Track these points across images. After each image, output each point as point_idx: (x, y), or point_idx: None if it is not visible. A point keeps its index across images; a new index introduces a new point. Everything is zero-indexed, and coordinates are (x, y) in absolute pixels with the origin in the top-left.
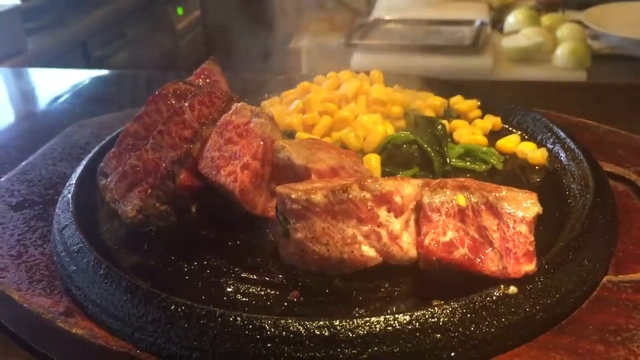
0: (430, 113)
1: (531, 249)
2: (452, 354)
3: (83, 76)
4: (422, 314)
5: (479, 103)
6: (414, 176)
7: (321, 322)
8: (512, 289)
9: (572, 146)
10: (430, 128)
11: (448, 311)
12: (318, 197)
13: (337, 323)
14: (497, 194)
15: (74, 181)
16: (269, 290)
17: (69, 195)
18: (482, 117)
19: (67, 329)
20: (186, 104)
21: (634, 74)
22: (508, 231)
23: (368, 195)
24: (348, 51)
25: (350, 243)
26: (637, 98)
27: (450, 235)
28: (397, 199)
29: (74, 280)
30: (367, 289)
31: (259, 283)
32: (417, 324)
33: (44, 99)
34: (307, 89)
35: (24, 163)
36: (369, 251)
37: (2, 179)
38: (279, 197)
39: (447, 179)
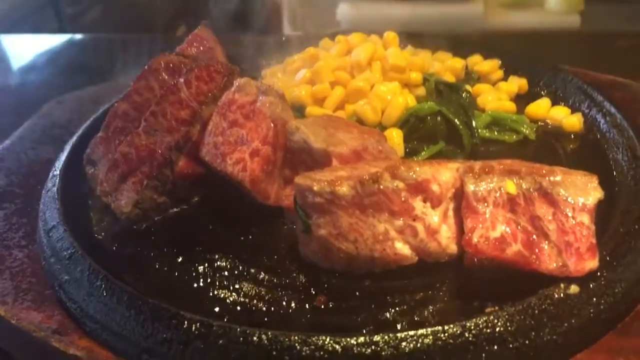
0: (450, 77)
1: (594, 241)
2: None
3: (56, 41)
4: (474, 323)
5: (500, 63)
6: (441, 151)
7: (361, 339)
8: (574, 289)
9: (613, 111)
10: (454, 96)
11: (504, 319)
12: (344, 189)
13: (379, 339)
14: (551, 178)
15: (58, 172)
16: (291, 294)
17: (54, 189)
18: (505, 79)
19: (62, 349)
20: (181, 80)
21: (629, 17)
22: (567, 222)
23: (401, 185)
24: (333, 2)
25: (382, 240)
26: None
27: (500, 229)
28: (435, 187)
29: (67, 292)
30: (402, 289)
31: (279, 286)
32: (471, 336)
33: (16, 69)
34: (314, 55)
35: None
36: (403, 248)
37: None
38: (297, 189)
39: (492, 161)
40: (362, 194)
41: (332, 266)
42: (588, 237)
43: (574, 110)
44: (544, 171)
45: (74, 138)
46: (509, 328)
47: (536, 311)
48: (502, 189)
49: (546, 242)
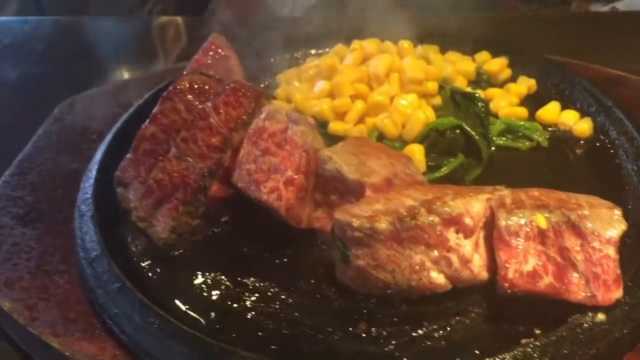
0: (462, 80)
1: (619, 272)
2: None
3: (41, 25)
4: (514, 356)
5: (508, 62)
6: (461, 165)
7: None
8: (601, 317)
9: (621, 116)
10: (471, 106)
11: (540, 350)
12: (383, 225)
13: None
14: (579, 212)
15: (89, 194)
16: (333, 321)
17: (89, 215)
18: (513, 77)
19: None
20: (209, 105)
21: None
22: (594, 254)
23: (437, 220)
24: None
25: (418, 270)
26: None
27: (532, 262)
28: (468, 220)
29: (119, 325)
30: (437, 314)
31: (321, 313)
32: None
33: (9, 59)
34: (332, 66)
35: (18, 159)
36: (438, 278)
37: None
38: (337, 223)
39: (521, 193)
40: (400, 229)
41: (369, 291)
42: (614, 269)
43: (582, 112)
44: (571, 204)
45: (98, 155)
46: (544, 358)
47: (568, 341)
48: (533, 222)
49: (574, 272)
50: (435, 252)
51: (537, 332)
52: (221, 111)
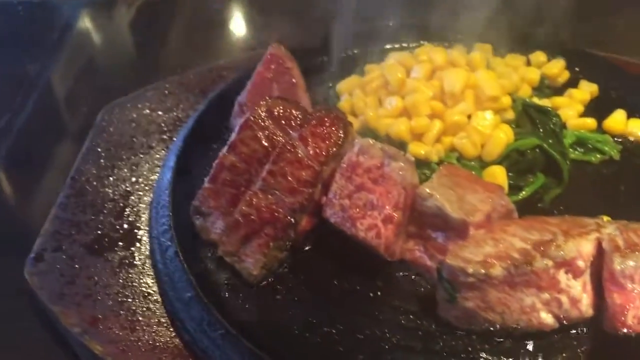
0: (526, 88)
1: None
2: None
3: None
4: None
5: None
6: (542, 186)
7: None
8: None
9: None
10: (546, 122)
11: None
12: (497, 272)
13: None
14: None
15: (167, 226)
16: None
17: (174, 251)
18: (572, 80)
19: None
20: (295, 136)
21: None
22: None
23: (550, 264)
24: None
25: (528, 312)
26: None
27: None
28: (580, 263)
29: None
30: (542, 349)
31: (427, 352)
32: None
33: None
34: (401, 81)
35: (70, 176)
36: (547, 318)
37: (57, 205)
38: (448, 267)
39: (631, 233)
40: (514, 274)
41: (472, 328)
42: None
43: None
44: None
45: (165, 181)
46: None
47: None
48: None
49: None
50: (547, 294)
51: None
52: (309, 142)
